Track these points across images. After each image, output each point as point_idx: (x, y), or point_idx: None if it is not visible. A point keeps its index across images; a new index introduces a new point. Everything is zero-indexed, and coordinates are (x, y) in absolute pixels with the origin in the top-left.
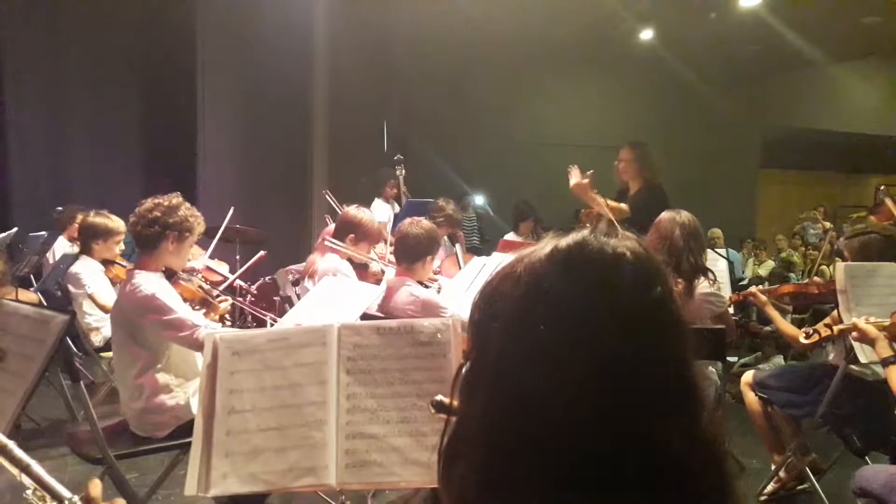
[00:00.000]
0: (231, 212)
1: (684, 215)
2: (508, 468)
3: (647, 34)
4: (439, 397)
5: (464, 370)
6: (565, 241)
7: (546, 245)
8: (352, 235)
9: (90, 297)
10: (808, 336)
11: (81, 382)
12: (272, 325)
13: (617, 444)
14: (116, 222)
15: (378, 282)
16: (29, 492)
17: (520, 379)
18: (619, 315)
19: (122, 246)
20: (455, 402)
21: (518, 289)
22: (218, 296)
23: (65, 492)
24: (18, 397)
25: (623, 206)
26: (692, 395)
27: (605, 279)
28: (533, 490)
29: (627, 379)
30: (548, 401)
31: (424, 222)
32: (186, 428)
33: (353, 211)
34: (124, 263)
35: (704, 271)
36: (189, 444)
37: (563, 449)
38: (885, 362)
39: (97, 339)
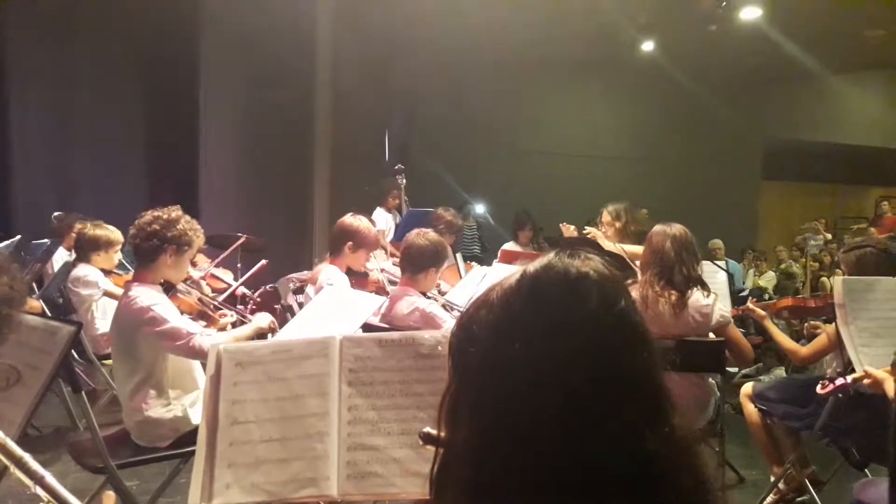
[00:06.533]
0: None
1: (676, 228)
2: (496, 484)
3: (648, 46)
4: (426, 429)
5: (447, 398)
6: (533, 266)
7: (517, 272)
8: (350, 243)
9: (107, 293)
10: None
11: (83, 392)
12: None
13: (595, 453)
14: (115, 233)
15: (377, 291)
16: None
17: (499, 397)
18: (585, 330)
19: (119, 255)
20: (442, 433)
21: (492, 314)
22: (217, 308)
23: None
24: (25, 407)
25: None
26: (662, 402)
27: (570, 297)
28: (520, 502)
29: (598, 390)
30: (526, 415)
31: (432, 234)
32: (186, 438)
33: (349, 219)
34: (121, 272)
35: (698, 282)
36: (190, 453)
37: (544, 460)
38: None
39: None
